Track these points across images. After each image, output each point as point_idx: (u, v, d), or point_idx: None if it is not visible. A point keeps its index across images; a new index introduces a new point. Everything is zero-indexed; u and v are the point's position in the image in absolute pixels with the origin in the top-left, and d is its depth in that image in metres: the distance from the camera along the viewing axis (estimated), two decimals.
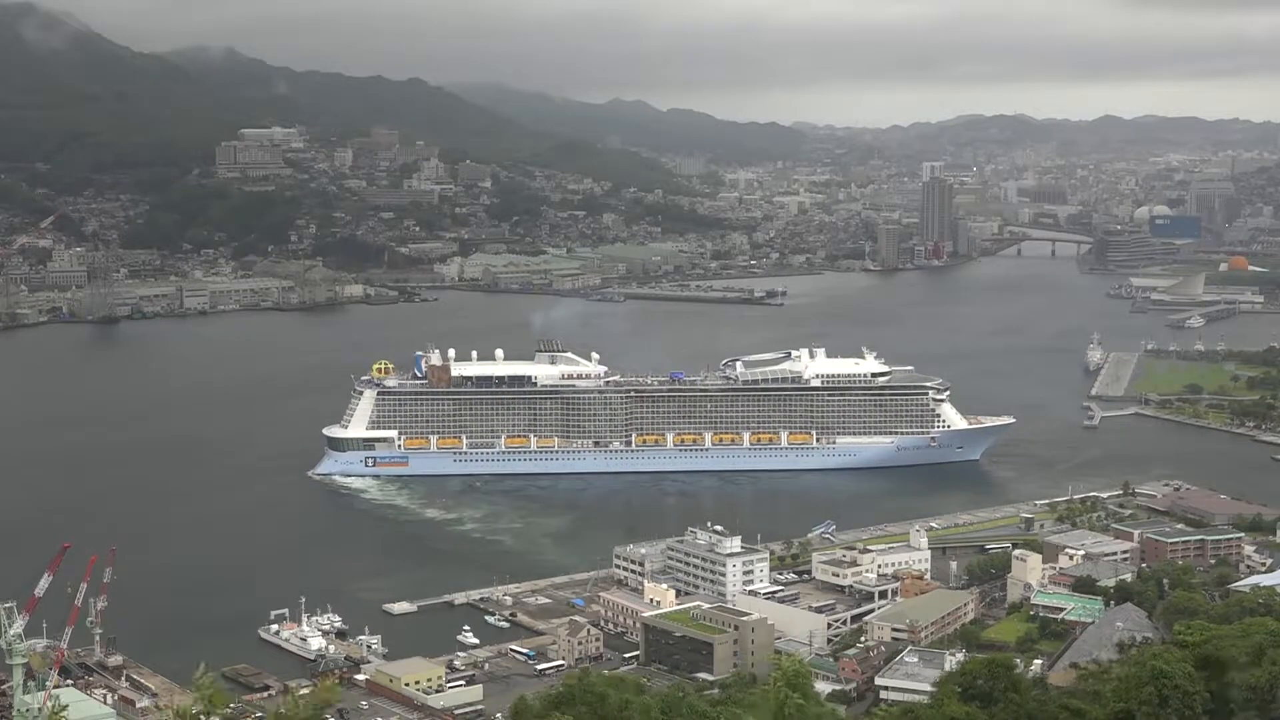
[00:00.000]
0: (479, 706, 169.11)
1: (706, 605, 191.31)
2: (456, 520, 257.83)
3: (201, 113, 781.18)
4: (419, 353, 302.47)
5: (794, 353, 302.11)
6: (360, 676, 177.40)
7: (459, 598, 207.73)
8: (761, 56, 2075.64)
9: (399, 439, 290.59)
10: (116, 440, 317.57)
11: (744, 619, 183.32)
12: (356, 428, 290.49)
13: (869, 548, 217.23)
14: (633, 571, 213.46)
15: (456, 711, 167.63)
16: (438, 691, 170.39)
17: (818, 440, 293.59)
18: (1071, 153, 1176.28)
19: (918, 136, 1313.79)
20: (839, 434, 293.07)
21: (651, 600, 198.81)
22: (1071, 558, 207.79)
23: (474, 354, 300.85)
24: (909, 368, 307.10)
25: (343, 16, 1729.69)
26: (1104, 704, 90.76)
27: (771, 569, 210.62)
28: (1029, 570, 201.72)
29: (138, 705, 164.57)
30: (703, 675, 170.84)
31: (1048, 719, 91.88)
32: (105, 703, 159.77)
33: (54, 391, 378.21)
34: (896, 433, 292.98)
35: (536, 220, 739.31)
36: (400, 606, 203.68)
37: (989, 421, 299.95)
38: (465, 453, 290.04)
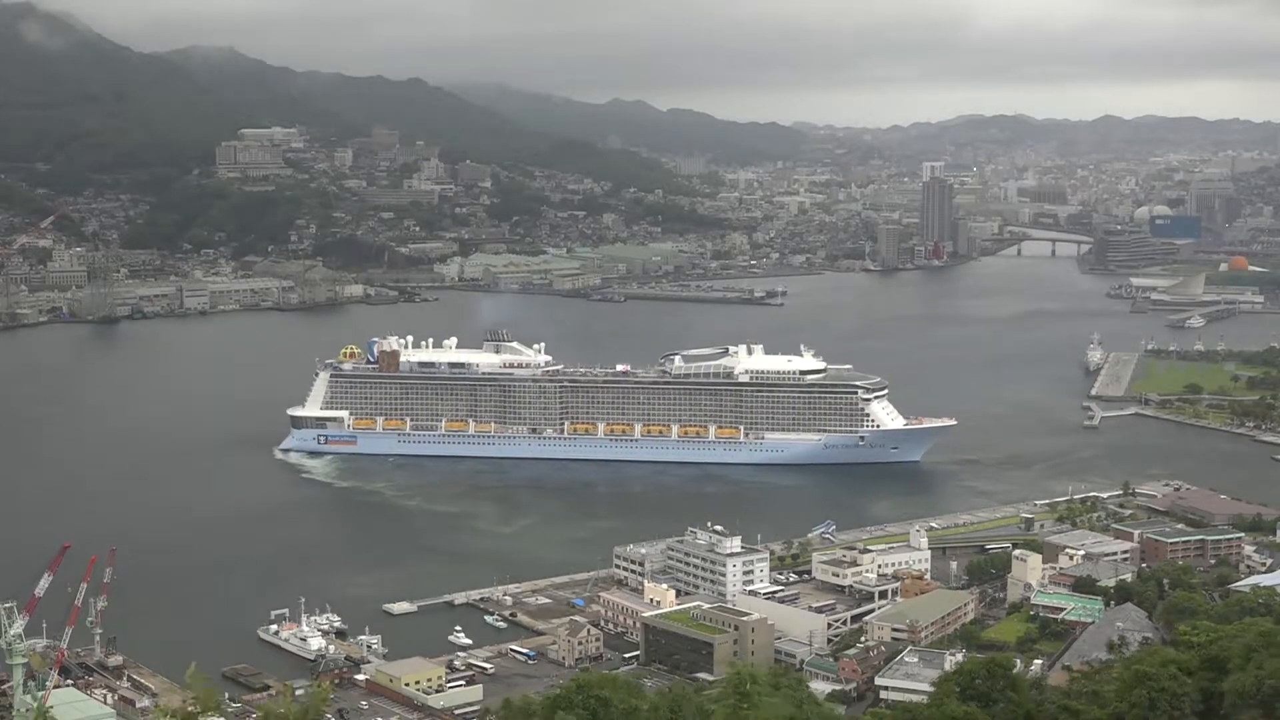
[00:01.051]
0: (478, 706, 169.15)
1: (706, 605, 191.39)
2: (458, 516, 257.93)
3: (201, 113, 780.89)
4: (374, 339, 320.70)
5: (732, 349, 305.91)
6: (360, 676, 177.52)
7: (459, 598, 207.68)
8: (762, 56, 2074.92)
9: (349, 419, 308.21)
10: (115, 439, 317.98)
11: (744, 619, 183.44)
12: (312, 407, 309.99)
13: (869, 548, 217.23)
14: (633, 571, 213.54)
15: (456, 711, 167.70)
16: (438, 691, 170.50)
17: (745, 435, 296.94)
18: (1071, 153, 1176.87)
19: (918, 136, 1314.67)
20: (767, 430, 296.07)
21: (651, 600, 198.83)
22: (1071, 558, 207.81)
23: (429, 343, 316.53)
24: (847, 366, 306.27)
25: (343, 16, 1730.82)
26: (1103, 704, 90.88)
27: (771, 569, 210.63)
28: (1029, 570, 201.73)
29: (138, 705, 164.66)
30: (703, 675, 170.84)
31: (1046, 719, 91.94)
32: (105, 703, 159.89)
33: (53, 391, 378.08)
34: (824, 430, 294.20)
35: (536, 220, 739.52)
36: (400, 606, 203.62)
37: (929, 423, 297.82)
38: (408, 434, 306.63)
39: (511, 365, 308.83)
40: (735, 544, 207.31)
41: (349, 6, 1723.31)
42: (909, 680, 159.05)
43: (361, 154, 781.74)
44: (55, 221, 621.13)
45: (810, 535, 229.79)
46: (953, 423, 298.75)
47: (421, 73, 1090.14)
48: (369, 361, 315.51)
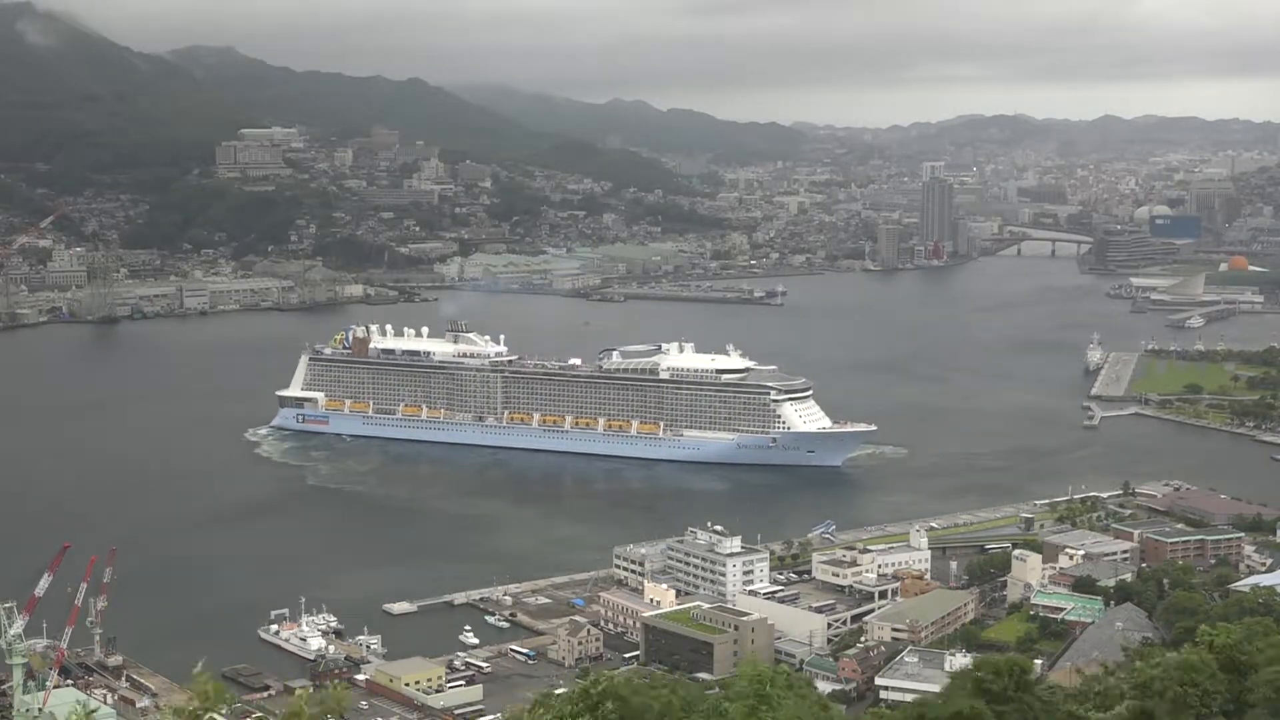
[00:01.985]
0: (479, 706, 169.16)
1: (706, 605, 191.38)
2: (457, 515, 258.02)
3: (201, 112, 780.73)
4: (350, 326, 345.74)
5: (664, 346, 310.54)
6: (360, 676, 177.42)
7: (459, 597, 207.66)
8: (761, 57, 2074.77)
9: (322, 400, 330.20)
10: (113, 438, 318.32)
11: (744, 619, 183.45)
12: (295, 388, 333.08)
13: (869, 548, 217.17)
14: (633, 571, 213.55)
15: (456, 711, 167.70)
16: (438, 691, 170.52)
17: (665, 431, 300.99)
18: (1071, 153, 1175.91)
19: (918, 136, 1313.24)
20: (685, 427, 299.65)
21: (651, 600, 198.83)
22: (1071, 558, 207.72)
23: (407, 332, 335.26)
24: (772, 367, 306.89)
25: (342, 17, 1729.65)
26: (1113, 702, 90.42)
27: (771, 569, 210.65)
28: (1029, 570, 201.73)
29: (138, 705, 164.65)
30: (703, 675, 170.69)
31: None
32: (105, 702, 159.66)
33: (52, 391, 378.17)
34: (737, 430, 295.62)
35: (536, 220, 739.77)
36: (400, 606, 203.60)
37: (852, 427, 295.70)
38: (371, 417, 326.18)
39: (464, 355, 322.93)
40: (735, 544, 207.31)
41: (349, 5, 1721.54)
42: (909, 680, 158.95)
43: (361, 154, 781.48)
44: (55, 221, 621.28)
45: (810, 535, 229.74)
46: (872, 428, 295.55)
47: (421, 73, 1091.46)
48: (344, 347, 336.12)
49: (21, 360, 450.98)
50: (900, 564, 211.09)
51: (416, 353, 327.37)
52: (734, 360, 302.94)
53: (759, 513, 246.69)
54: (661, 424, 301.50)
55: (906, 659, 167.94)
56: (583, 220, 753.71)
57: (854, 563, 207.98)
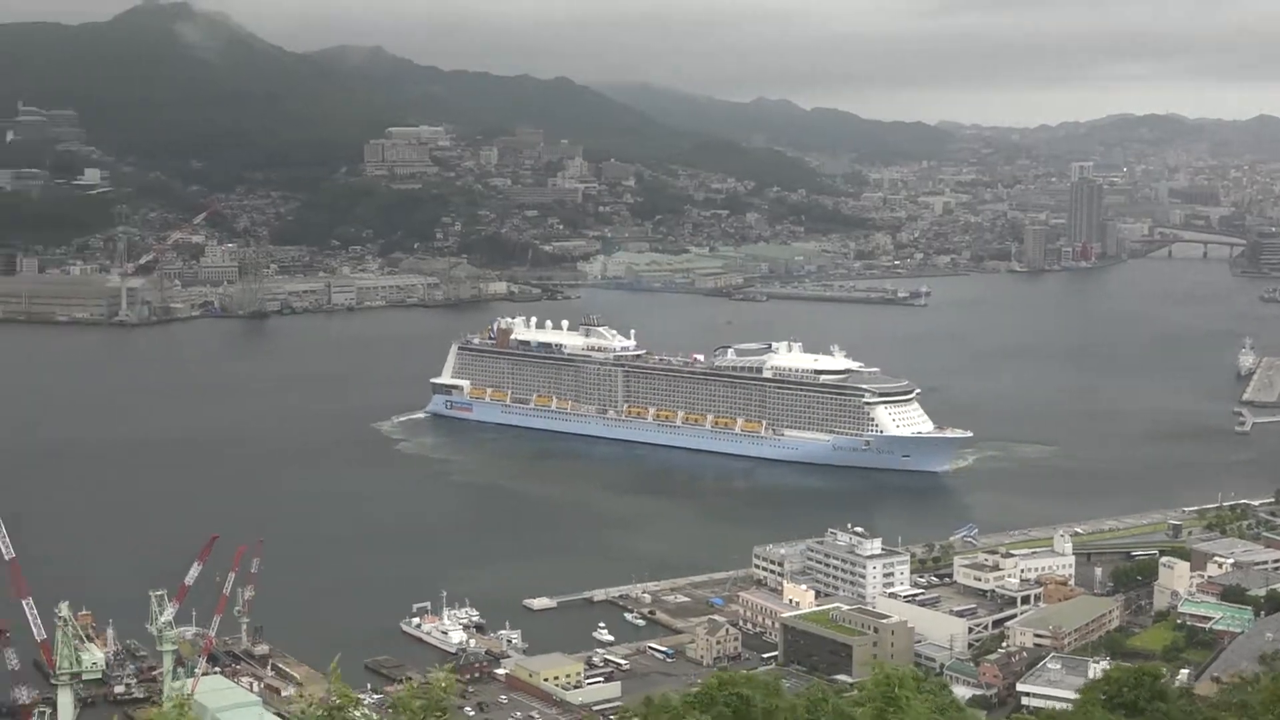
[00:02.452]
0: (617, 703, 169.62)
1: (846, 607, 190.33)
2: (601, 512, 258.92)
3: (350, 112, 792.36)
4: (498, 318, 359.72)
5: (775, 345, 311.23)
6: (500, 671, 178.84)
7: (598, 594, 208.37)
8: (907, 56, 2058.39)
9: (467, 388, 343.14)
10: (262, 429, 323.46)
11: (884, 621, 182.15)
12: (445, 376, 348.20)
13: (1012, 552, 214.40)
14: (772, 571, 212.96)
15: (594, 708, 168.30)
16: (576, 688, 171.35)
17: (767, 430, 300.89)
18: (1225, 153, 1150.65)
19: (1066, 136, 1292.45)
20: (786, 427, 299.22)
21: (790, 601, 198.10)
22: (1220, 566, 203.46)
23: (546, 325, 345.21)
24: (874, 369, 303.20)
25: (489, 16, 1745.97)
26: (1251, 716, 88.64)
27: (912, 572, 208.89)
28: (1176, 578, 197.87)
29: (283, 694, 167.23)
30: (842, 677, 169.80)
31: None
32: (251, 690, 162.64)
33: (204, 382, 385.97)
34: (833, 431, 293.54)
35: (679, 219, 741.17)
36: (540, 602, 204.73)
37: (950, 433, 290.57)
38: (509, 406, 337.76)
39: (593, 349, 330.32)
40: (876, 546, 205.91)
41: (494, 6, 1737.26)
42: (1051, 687, 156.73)
43: (506, 152, 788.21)
44: (207, 218, 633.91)
45: (952, 538, 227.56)
46: (968, 434, 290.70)
47: (567, 71, 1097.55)
48: (490, 338, 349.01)
49: (173, 353, 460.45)
50: (1044, 569, 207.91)
51: (549, 345, 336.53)
52: (836, 361, 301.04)
53: (899, 514, 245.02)
54: (764, 423, 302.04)
55: (1049, 665, 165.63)
56: (725, 219, 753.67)
57: (996, 567, 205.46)
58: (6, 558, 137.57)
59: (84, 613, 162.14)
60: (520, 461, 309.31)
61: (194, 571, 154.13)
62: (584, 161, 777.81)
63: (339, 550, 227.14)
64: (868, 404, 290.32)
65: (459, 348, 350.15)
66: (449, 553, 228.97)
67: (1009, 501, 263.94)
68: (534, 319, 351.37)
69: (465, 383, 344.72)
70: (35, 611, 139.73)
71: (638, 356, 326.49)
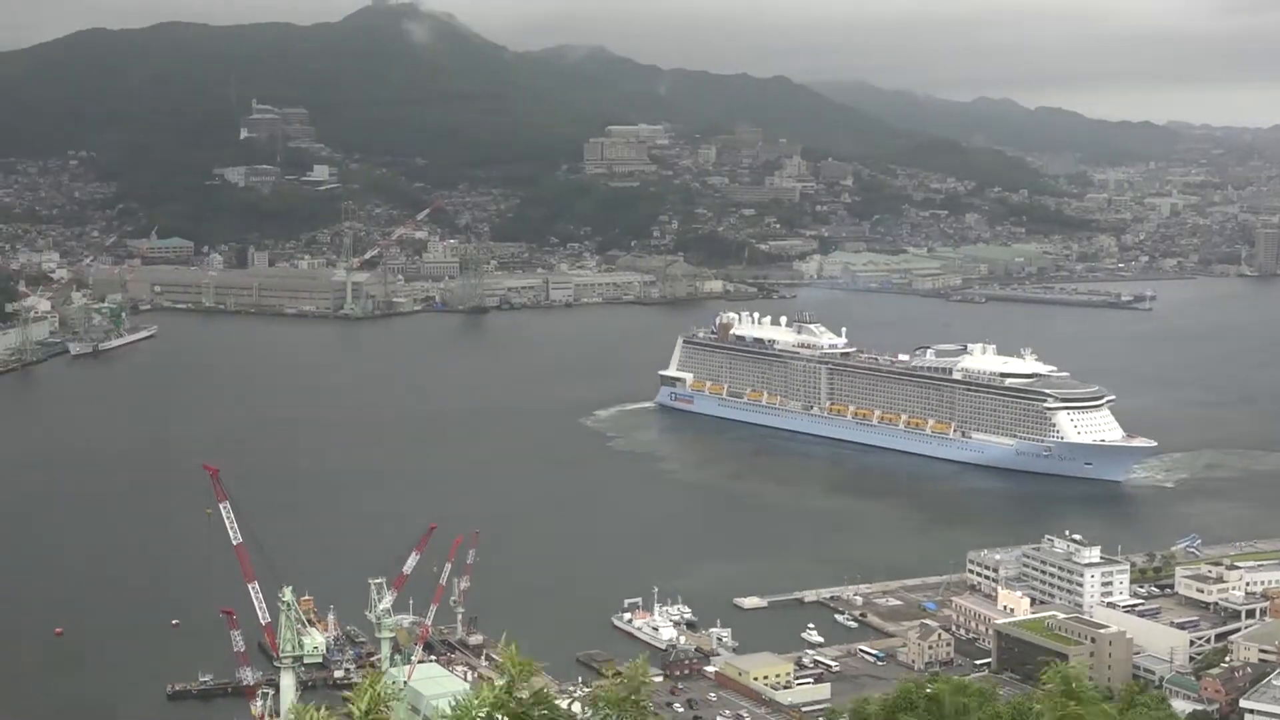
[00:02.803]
0: (826, 705, 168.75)
1: (1062, 615, 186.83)
2: (810, 510, 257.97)
3: (571, 110, 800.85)
4: (720, 313, 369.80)
5: (970, 346, 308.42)
6: (709, 669, 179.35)
7: (809, 595, 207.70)
8: (1135, 53, 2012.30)
9: (689, 381, 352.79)
10: (480, 422, 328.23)
11: (1101, 631, 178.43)
12: (671, 369, 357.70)
13: (1237, 564, 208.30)
14: (986, 577, 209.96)
15: (804, 709, 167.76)
16: (785, 688, 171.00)
17: (955, 432, 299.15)
18: None
19: None
20: (974, 429, 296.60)
21: (1005, 607, 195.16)
22: None
23: (766, 320, 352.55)
24: (1064, 374, 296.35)
25: (709, 15, 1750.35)
26: None
27: (1132, 582, 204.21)
28: None
29: (495, 684, 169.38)
30: None
31: None
32: (465, 679, 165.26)
33: (427, 376, 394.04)
34: (1016, 436, 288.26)
35: (897, 219, 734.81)
36: (750, 601, 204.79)
37: (1137, 441, 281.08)
38: (725, 399, 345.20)
39: (803, 345, 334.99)
40: (1094, 554, 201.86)
41: (714, 6, 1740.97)
42: (1277, 705, 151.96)
43: (724, 151, 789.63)
44: (430, 215, 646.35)
45: (1174, 548, 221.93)
46: (1153, 444, 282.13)
47: (785, 70, 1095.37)
48: (712, 333, 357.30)
49: (396, 346, 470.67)
50: (1271, 582, 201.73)
51: (763, 340, 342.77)
52: (1026, 364, 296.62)
53: (1119, 523, 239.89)
54: (952, 424, 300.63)
55: (1275, 682, 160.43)
56: (944, 220, 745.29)
57: (1220, 579, 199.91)
58: (234, 543, 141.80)
59: (306, 598, 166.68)
60: (731, 459, 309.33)
61: (412, 561, 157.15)
62: (801, 160, 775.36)
63: (553, 543, 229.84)
64: (1049, 409, 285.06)
65: (684, 341, 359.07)
66: (661, 549, 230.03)
67: (1236, 512, 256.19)
68: (755, 314, 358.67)
69: (689, 375, 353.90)
70: (261, 596, 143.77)
71: (844, 355, 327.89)
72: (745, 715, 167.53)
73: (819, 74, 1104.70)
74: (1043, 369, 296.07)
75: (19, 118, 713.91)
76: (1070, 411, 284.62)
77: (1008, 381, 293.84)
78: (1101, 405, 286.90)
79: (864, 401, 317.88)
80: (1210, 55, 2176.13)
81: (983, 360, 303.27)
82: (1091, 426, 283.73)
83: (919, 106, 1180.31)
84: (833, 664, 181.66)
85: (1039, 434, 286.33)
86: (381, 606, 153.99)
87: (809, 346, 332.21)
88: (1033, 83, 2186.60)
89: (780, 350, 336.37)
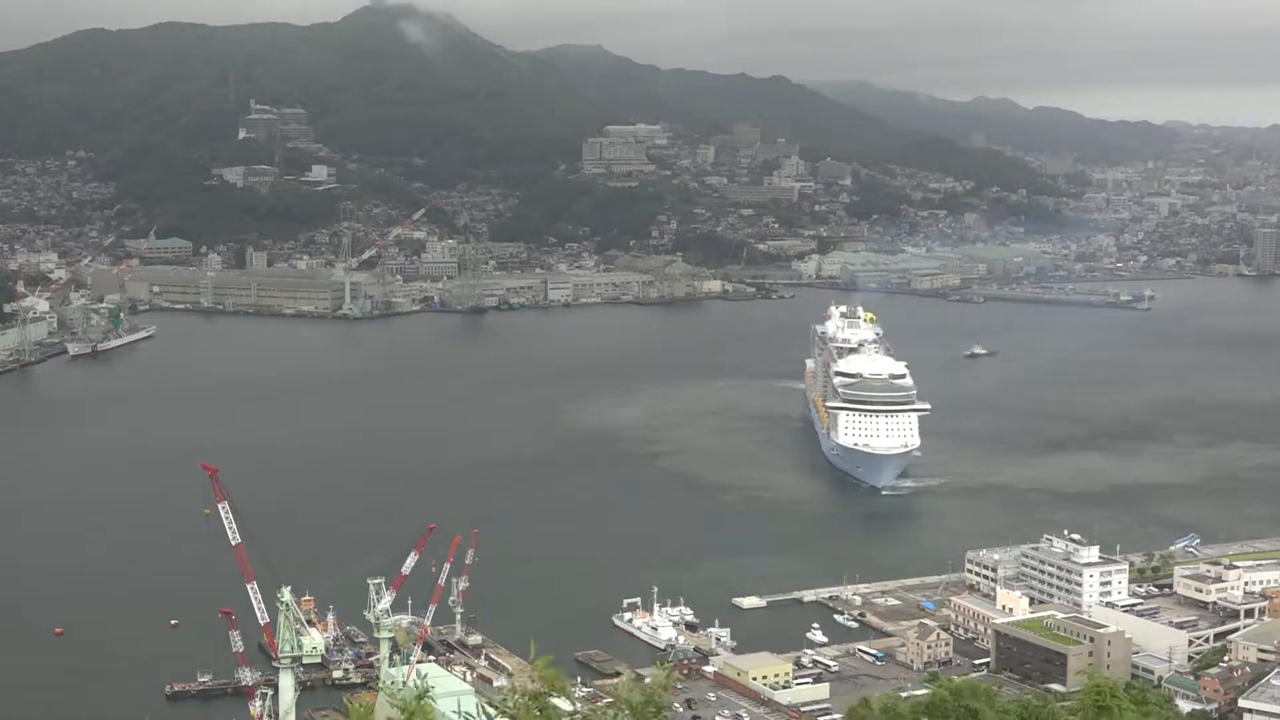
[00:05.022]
0: (825, 705, 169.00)
1: (1061, 615, 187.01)
2: (811, 512, 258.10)
3: (569, 110, 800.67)
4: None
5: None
6: (709, 668, 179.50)
7: (808, 595, 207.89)
8: (1134, 54, 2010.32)
9: None
10: (481, 422, 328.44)
11: (1100, 631, 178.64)
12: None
13: (1236, 563, 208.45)
14: (985, 577, 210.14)
15: (803, 709, 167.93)
16: (784, 688, 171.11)
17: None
18: None
19: None
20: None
21: (1004, 607, 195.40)
22: None
23: None
24: (905, 377, 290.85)
25: (707, 15, 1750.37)
26: None
27: (1130, 581, 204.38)
28: None
29: (495, 684, 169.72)
30: (1055, 686, 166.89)
31: None
32: (464, 679, 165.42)
33: (425, 376, 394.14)
34: (829, 435, 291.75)
35: (896, 219, 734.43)
36: (749, 601, 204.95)
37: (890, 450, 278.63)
38: None
39: None
40: (1093, 553, 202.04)
41: (712, 6, 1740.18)
42: (1275, 704, 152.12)
43: (723, 151, 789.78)
44: (427, 214, 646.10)
45: (1172, 548, 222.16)
46: (915, 452, 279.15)
47: (784, 70, 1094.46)
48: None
49: (394, 346, 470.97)
50: (1270, 581, 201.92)
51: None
52: (891, 365, 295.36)
53: (1118, 522, 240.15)
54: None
55: (1274, 681, 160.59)
56: (943, 219, 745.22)
57: (1219, 578, 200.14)
58: (233, 543, 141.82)
59: (307, 598, 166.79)
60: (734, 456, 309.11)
61: (411, 561, 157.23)
62: (800, 160, 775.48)
63: (551, 543, 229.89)
64: (831, 409, 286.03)
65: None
66: (661, 549, 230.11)
67: (1234, 512, 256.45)
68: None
69: None
70: (259, 596, 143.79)
71: None
72: (744, 715, 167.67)
73: (818, 74, 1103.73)
74: (887, 372, 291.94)
75: (18, 118, 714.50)
76: (849, 414, 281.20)
77: (835, 380, 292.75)
78: (899, 411, 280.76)
79: None
80: (1209, 55, 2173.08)
81: (857, 361, 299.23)
82: (869, 431, 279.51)
83: (918, 106, 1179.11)
84: (831, 664, 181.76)
85: (832, 434, 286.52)
86: (380, 606, 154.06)
87: None
88: (1032, 82, 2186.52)
89: None
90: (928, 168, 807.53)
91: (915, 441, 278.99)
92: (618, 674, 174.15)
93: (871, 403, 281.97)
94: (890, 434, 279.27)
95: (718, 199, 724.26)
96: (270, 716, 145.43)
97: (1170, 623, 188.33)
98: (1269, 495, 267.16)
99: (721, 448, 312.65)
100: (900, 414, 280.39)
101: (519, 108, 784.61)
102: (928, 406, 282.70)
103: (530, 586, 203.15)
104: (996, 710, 50.34)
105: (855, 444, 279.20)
